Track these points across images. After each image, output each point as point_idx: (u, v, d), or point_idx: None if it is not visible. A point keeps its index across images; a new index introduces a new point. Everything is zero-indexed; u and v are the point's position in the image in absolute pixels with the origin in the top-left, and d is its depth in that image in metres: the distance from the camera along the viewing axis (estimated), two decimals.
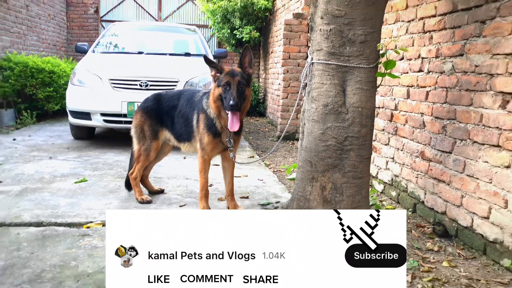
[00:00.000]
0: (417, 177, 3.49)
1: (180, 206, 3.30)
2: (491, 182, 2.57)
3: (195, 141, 3.13)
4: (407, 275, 2.34)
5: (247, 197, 3.55)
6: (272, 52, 9.52)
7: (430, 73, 3.32)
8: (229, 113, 2.86)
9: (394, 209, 3.56)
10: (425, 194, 3.35)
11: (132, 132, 3.46)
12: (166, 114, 3.34)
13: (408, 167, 3.65)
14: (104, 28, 11.93)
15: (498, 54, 2.53)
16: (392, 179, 3.95)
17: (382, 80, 3.11)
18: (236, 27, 9.87)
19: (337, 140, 2.90)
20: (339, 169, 2.94)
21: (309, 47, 3.38)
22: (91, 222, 2.89)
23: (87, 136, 6.23)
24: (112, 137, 6.46)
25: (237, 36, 9.90)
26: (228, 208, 3.15)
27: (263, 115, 10.41)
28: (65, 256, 2.37)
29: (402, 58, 3.75)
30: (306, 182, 3.02)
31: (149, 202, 3.39)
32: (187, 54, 6.77)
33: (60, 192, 3.56)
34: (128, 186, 3.53)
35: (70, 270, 2.22)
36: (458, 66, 2.94)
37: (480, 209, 2.67)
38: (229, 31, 10.15)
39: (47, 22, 10.45)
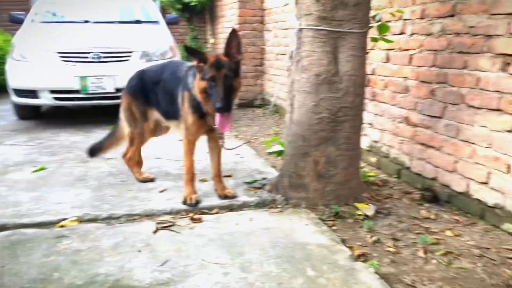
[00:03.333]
0: (401, 142, 3.43)
1: (160, 191, 3.03)
2: (490, 147, 2.54)
3: (182, 120, 2.85)
4: (418, 250, 2.29)
5: (230, 176, 3.34)
6: (222, 17, 9.10)
7: (414, 35, 3.21)
8: (217, 114, 2.56)
9: (376, 176, 3.50)
10: (411, 160, 3.31)
11: (122, 116, 3.23)
12: (152, 92, 3.04)
13: (390, 132, 3.58)
14: None
15: (497, 14, 2.44)
16: (371, 145, 3.89)
17: (374, 45, 2.95)
18: None
19: (330, 111, 2.75)
20: (333, 142, 2.81)
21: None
22: (65, 219, 2.55)
23: (34, 116, 5.66)
24: (63, 116, 5.92)
25: (184, 0, 9.35)
26: (216, 190, 2.93)
27: None
28: (44, 267, 2.05)
29: (378, 21, 3.60)
30: (298, 157, 2.86)
31: (151, 180, 3.25)
32: (138, 22, 6.26)
33: (18, 184, 3.16)
34: (92, 153, 3.38)
35: (55, 284, 1.91)
36: (448, 27, 2.83)
37: (478, 175, 2.65)
38: None
39: None
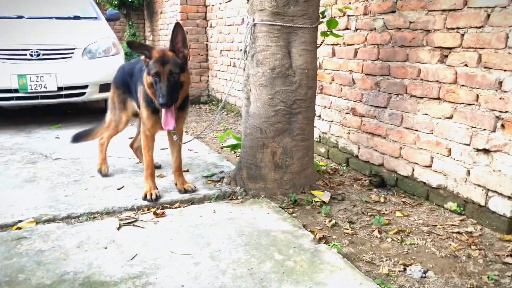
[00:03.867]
0: (348, 133, 3.63)
1: (118, 189, 3.00)
2: (432, 133, 2.77)
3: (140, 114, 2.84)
4: (374, 230, 2.46)
5: (187, 171, 3.36)
6: (162, 13, 8.98)
7: (358, 30, 3.40)
8: (162, 110, 2.60)
9: (326, 165, 3.68)
10: (359, 148, 3.51)
11: (108, 104, 3.34)
12: (130, 83, 3.09)
13: (338, 123, 3.77)
14: None
15: (434, 10, 2.67)
16: (319, 136, 4.06)
17: (324, 40, 3.10)
18: None
19: (285, 104, 2.86)
20: (289, 133, 2.92)
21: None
22: (21, 221, 2.46)
23: None
24: (2, 116, 5.58)
25: None
26: (176, 184, 2.95)
27: None
28: (8, 269, 1.98)
29: (326, 17, 3.77)
30: (256, 149, 2.94)
31: (106, 175, 3.29)
32: (77, 17, 6.03)
33: None
34: (76, 139, 3.49)
35: (22, 285, 1.84)
36: (390, 23, 3.04)
37: (422, 159, 2.88)
38: None
39: None
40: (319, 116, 4.03)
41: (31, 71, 4.73)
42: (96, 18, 6.18)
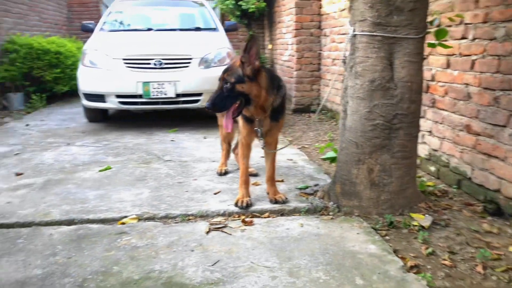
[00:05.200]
0: (461, 152, 3.30)
1: (215, 193, 3.12)
2: None
3: None
4: (477, 265, 2.19)
5: (282, 181, 3.37)
6: (279, 22, 9.17)
7: (476, 40, 3.07)
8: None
9: (434, 186, 3.38)
10: (473, 170, 3.16)
11: None
12: None
13: (450, 141, 3.45)
14: (106, 5, 11.54)
15: None
16: (430, 153, 3.76)
17: (431, 51, 2.87)
18: None
19: (385, 118, 2.70)
20: (388, 149, 2.75)
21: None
22: (126, 216, 2.71)
23: (102, 119, 6.02)
24: (128, 118, 6.25)
25: (243, 7, 9.53)
26: (268, 193, 2.98)
27: None
28: (106, 260, 2.20)
29: (438, 25, 3.48)
30: (352, 164, 2.83)
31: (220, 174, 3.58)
32: (198, 29, 6.48)
33: (86, 183, 3.38)
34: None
35: (114, 277, 2.04)
36: None
37: None
38: (233, 2, 9.79)
39: (47, 0, 10.06)
40: (430, 131, 3.73)
41: (154, 78, 5.19)
42: (215, 29, 6.56)
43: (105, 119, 6.08)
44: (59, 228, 2.57)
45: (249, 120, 2.82)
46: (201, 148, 4.51)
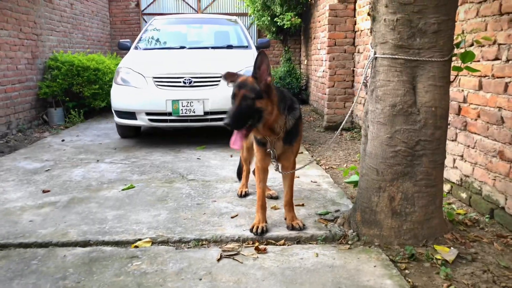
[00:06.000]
0: (494, 179, 3.10)
1: (232, 217, 3.08)
2: None
3: None
4: None
5: (302, 205, 3.28)
6: (314, 38, 9.12)
7: (511, 61, 2.89)
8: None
9: (465, 214, 3.19)
10: (506, 199, 2.96)
11: None
12: None
13: (482, 167, 3.25)
14: (145, 21, 11.94)
15: None
16: (461, 179, 3.56)
17: (457, 75, 2.72)
18: (277, 14, 9.55)
19: (407, 145, 2.57)
20: (410, 177, 2.62)
21: (367, 37, 3.01)
22: (139, 239, 2.70)
23: (134, 135, 6.14)
24: (158, 135, 6.35)
25: (278, 23, 9.58)
26: (286, 219, 2.90)
27: (306, 102, 10.06)
28: (113, 286, 2.18)
29: (471, 45, 3.32)
30: (372, 191, 2.71)
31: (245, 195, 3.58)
32: (229, 47, 6.53)
33: (108, 202, 3.43)
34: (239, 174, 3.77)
35: None
36: None
37: None
38: (269, 18, 9.84)
39: (91, 19, 10.50)
40: (461, 156, 3.54)
41: (183, 97, 5.25)
42: (246, 47, 6.59)
43: (137, 135, 6.20)
44: (73, 249, 2.60)
45: (262, 144, 2.76)
46: (226, 167, 4.49)
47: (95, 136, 6.35)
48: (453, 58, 2.60)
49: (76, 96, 7.90)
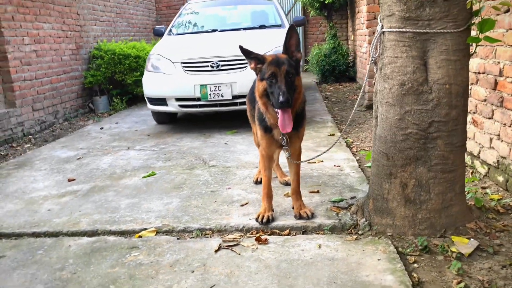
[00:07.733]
0: None
1: (241, 205, 2.99)
2: None
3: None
4: None
5: (317, 192, 3.12)
6: (358, 12, 8.69)
7: None
8: (279, 111, 2.41)
9: (499, 200, 2.88)
10: None
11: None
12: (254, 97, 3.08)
13: None
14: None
15: None
16: (498, 160, 3.22)
17: (476, 47, 2.41)
18: None
19: (419, 126, 2.34)
20: (424, 161, 2.39)
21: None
22: (145, 229, 2.70)
23: (168, 121, 6.19)
24: (192, 121, 6.37)
25: None
26: (293, 208, 2.77)
27: (354, 79, 9.67)
28: (106, 278, 2.19)
29: (507, 10, 2.94)
30: (383, 178, 2.51)
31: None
32: (262, 27, 6.35)
33: (125, 190, 3.46)
34: None
35: None
36: None
37: None
38: None
39: (135, 6, 10.69)
40: (498, 135, 3.19)
41: (210, 81, 5.19)
42: (280, 25, 6.38)
43: (172, 121, 6.25)
44: (80, 239, 2.64)
45: (268, 130, 2.64)
46: (251, 152, 4.40)
47: (133, 122, 6.49)
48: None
49: (120, 84, 8.12)
